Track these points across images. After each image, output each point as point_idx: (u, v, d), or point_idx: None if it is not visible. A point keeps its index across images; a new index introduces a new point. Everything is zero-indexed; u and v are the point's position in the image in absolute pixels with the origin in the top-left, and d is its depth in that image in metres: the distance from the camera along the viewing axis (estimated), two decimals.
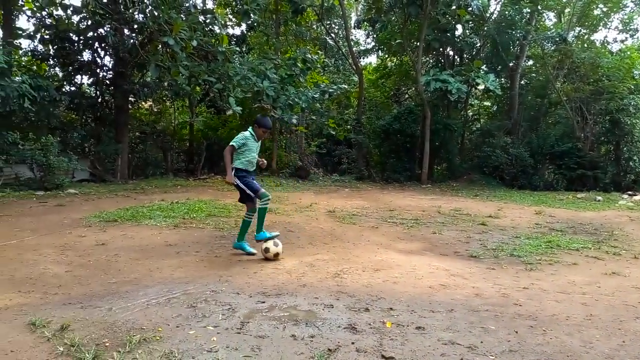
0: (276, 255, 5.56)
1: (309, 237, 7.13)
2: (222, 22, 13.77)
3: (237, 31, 19.27)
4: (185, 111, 20.45)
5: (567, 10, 21.00)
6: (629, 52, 19.13)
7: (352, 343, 3.22)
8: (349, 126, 20.13)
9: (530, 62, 22.54)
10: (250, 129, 5.84)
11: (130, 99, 15.99)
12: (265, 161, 6.03)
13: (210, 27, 14.08)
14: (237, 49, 16.05)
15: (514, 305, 4.25)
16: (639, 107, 17.94)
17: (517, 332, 3.58)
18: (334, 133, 19.08)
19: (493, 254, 6.41)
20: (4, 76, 11.31)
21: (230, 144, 5.65)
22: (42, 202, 9.79)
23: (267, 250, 5.54)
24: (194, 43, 12.15)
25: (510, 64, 20.88)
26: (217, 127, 19.83)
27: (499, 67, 21.12)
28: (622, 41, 21.82)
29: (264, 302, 3.99)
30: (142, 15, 13.12)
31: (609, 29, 21.71)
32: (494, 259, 6.14)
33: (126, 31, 14.77)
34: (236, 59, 14.22)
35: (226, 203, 10.03)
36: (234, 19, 18.24)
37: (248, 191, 5.70)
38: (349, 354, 3.06)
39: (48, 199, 10.15)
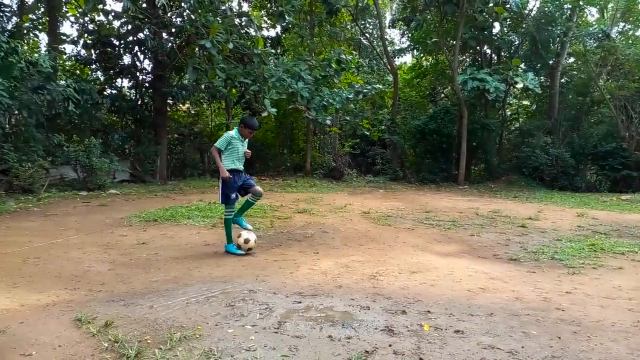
0: (249, 250, 5.71)
1: (343, 238, 7.12)
2: (258, 24, 13.91)
3: (272, 33, 19.46)
4: (222, 113, 20.76)
5: (610, 5, 20.25)
6: None
7: (390, 345, 3.20)
8: (383, 126, 19.98)
9: (572, 60, 21.86)
10: (236, 129, 5.96)
11: (168, 101, 16.34)
12: (249, 152, 6.06)
13: (245, 29, 14.27)
14: (272, 50, 16.20)
15: (556, 310, 4.13)
16: None
17: (559, 337, 3.48)
18: (368, 133, 19.00)
19: (533, 257, 6.24)
20: (50, 80, 11.78)
21: (215, 145, 5.81)
22: (86, 202, 10.13)
23: (247, 241, 5.69)
24: (230, 46, 12.33)
25: (550, 62, 20.29)
26: None
27: (538, 65, 20.56)
28: None
29: (300, 303, 4.01)
30: (180, 19, 13.40)
31: None
32: (535, 262, 5.98)
33: (165, 35, 15.09)
34: (271, 60, 14.36)
35: (261, 204, 10.11)
36: (268, 21, 18.43)
37: (221, 196, 5.83)
38: (386, 356, 3.04)
39: (91, 199, 10.50)
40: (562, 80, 21.22)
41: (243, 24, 14.01)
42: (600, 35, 18.66)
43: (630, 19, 20.01)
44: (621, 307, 4.26)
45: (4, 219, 7.74)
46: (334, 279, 4.84)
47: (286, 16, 15.35)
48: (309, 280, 4.75)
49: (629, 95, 18.00)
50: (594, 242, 7.27)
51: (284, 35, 19.74)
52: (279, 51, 18.42)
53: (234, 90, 14.95)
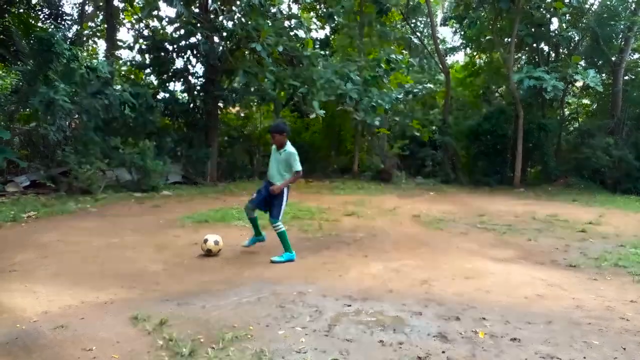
0: (208, 251, 5.65)
1: (393, 242, 7.02)
2: (307, 26, 13.98)
3: (321, 34, 19.51)
4: (270, 115, 21.01)
5: None
6: None
7: (443, 352, 3.14)
8: (434, 127, 19.59)
9: (636, 56, 20.69)
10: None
11: (219, 104, 16.69)
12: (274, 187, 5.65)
13: (295, 31, 14.37)
14: (321, 52, 16.23)
15: (620, 320, 3.93)
16: None
17: (624, 348, 3.33)
18: (418, 134, 18.69)
19: (595, 264, 5.93)
20: (108, 85, 12.29)
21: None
22: (140, 203, 10.49)
23: (205, 241, 5.67)
24: (280, 48, 12.46)
25: (613, 58, 19.27)
26: (301, 131, 20.18)
27: (600, 62, 19.58)
28: None
29: (350, 306, 3.98)
30: (232, 23, 13.65)
31: None
32: (596, 269, 5.68)
33: (216, 39, 15.41)
34: (320, 62, 14.39)
35: (309, 206, 10.15)
36: (318, 23, 18.50)
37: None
38: None
39: (145, 200, 10.85)
40: (626, 78, 20.09)
41: (292, 26, 14.11)
42: None
43: None
44: None
45: (65, 219, 8.12)
46: (384, 283, 4.78)
47: (335, 17, 15.38)
48: (358, 283, 4.71)
49: None
50: None
51: (333, 36, 19.74)
52: (327, 52, 18.45)
53: (282, 92, 15.09)
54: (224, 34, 14.54)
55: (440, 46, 21.76)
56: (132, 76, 17.17)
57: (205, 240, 5.70)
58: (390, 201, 12.06)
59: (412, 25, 21.90)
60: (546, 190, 16.86)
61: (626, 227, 8.89)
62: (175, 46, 15.72)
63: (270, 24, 12.33)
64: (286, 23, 13.66)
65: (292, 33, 14.12)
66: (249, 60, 13.74)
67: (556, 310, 4.13)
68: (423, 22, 22.83)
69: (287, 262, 5.51)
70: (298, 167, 5.41)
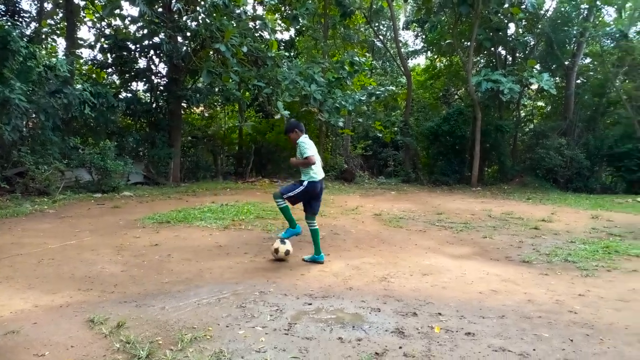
0: (287, 253, 5.62)
1: (355, 240, 7.12)
2: (272, 27, 13.98)
3: (285, 36, 19.54)
4: (235, 116, 20.90)
5: (628, 4, 19.93)
6: None
7: (400, 347, 3.21)
8: (396, 128, 19.92)
9: (588, 60, 21.59)
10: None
11: (182, 104, 16.49)
12: (293, 159, 5.80)
13: (260, 32, 14.35)
14: (286, 53, 16.25)
15: (569, 313, 4.11)
16: None
17: (572, 340, 3.47)
18: (380, 135, 18.97)
19: (546, 259, 6.19)
20: (67, 84, 11.98)
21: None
22: (100, 204, 10.26)
23: (277, 250, 5.60)
24: (244, 49, 12.42)
25: (566, 63, 20.07)
26: (265, 131, 20.15)
27: (554, 65, 20.37)
28: None
29: (310, 304, 4.04)
30: (195, 23, 13.52)
31: None
32: (548, 265, 5.92)
33: (180, 39, 15.23)
34: (285, 63, 14.42)
35: (273, 205, 10.13)
36: (282, 24, 18.51)
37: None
38: (396, 358, 3.05)
39: (105, 201, 10.63)
40: (578, 81, 20.98)
41: (257, 27, 14.08)
42: (617, 36, 18.42)
43: None
44: (635, 310, 4.22)
45: (19, 221, 7.88)
46: (344, 280, 4.86)
47: (300, 19, 15.43)
48: (319, 282, 4.77)
49: None
50: (609, 244, 7.18)
51: (297, 38, 19.79)
52: (292, 54, 18.48)
53: (247, 93, 15.04)
54: (188, 34, 14.37)
55: (402, 49, 22.14)
56: (94, 75, 16.75)
57: (277, 250, 5.62)
58: (353, 200, 12.20)
59: (375, 28, 22.18)
60: (502, 189, 17.42)
61: (576, 224, 9.29)
62: (137, 46, 15.45)
63: (234, 25, 12.27)
64: (251, 24, 13.61)
65: (257, 34, 14.10)
66: (213, 61, 13.62)
67: (509, 304, 4.29)
68: (386, 25, 23.16)
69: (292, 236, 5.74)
70: (306, 153, 5.45)
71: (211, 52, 14.27)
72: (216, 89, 15.53)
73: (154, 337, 3.22)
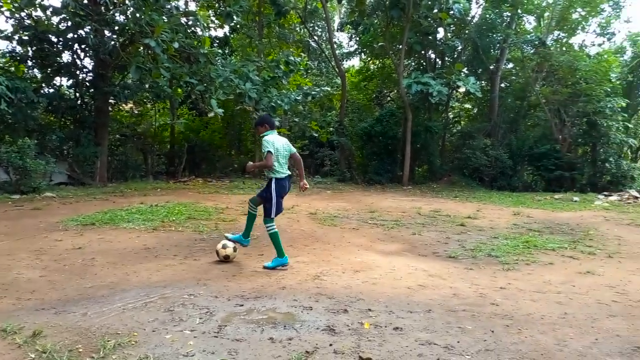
0: (226, 257, 5.53)
1: (289, 239, 7.11)
2: (205, 24, 13.67)
3: (219, 33, 19.18)
4: (167, 113, 20.28)
5: (546, 14, 21.31)
6: (605, 56, 19.48)
7: (330, 345, 3.24)
8: (331, 128, 20.13)
9: (510, 65, 22.83)
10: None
11: (110, 101, 15.78)
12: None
13: (192, 29, 13.99)
14: (220, 51, 15.95)
15: (491, 305, 4.31)
16: (615, 110, 18.31)
17: (493, 331, 3.63)
18: (316, 135, 19.09)
19: (471, 255, 6.49)
20: None
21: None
22: (18, 205, 9.61)
23: (225, 246, 5.54)
24: (176, 45, 12.04)
25: (491, 67, 21.12)
26: (199, 130, 19.73)
27: (480, 70, 21.36)
28: (599, 45, 22.22)
29: (242, 305, 3.99)
30: (123, 17, 12.97)
31: (586, 32, 22.07)
32: (472, 260, 6.21)
33: (107, 33, 14.52)
34: (218, 61, 14.15)
35: (207, 206, 9.97)
36: (216, 21, 18.17)
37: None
38: (326, 355, 3.07)
39: (24, 203, 9.98)
40: (502, 85, 22.13)
41: (189, 23, 13.71)
42: (536, 43, 19.60)
43: (565, 27, 21.10)
44: (550, 301, 4.50)
45: None
46: (277, 280, 4.84)
47: (234, 16, 15.19)
48: (252, 282, 4.72)
49: (562, 100, 18.99)
50: (528, 239, 7.64)
51: (232, 36, 19.51)
52: (226, 51, 18.18)
53: (179, 90, 14.62)
54: (115, 27, 13.75)
55: (337, 51, 22.39)
56: (12, 69, 15.63)
57: (225, 246, 5.45)
58: (289, 200, 12.12)
59: (310, 29, 22.28)
60: (431, 187, 18.08)
61: (499, 220, 9.81)
62: (60, 38, 14.57)
63: (165, 20, 11.88)
64: (183, 20, 13.24)
65: (189, 30, 13.73)
66: (143, 56, 13.11)
67: (435, 298, 4.45)
68: (321, 26, 23.34)
69: (277, 267, 5.36)
70: (266, 148, 5.21)
71: (141, 48, 13.74)
72: (146, 86, 14.98)
73: (74, 345, 3.05)
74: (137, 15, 11.80)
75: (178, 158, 18.69)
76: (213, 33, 18.38)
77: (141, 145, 18.64)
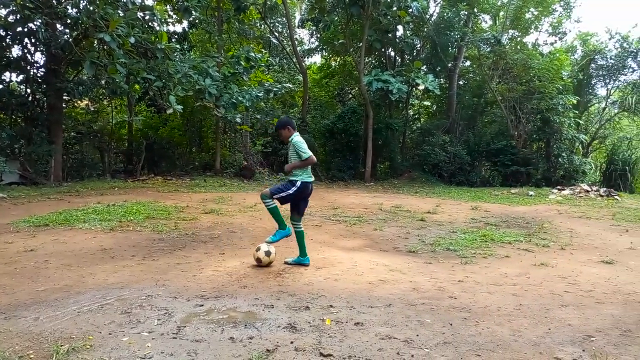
0: (258, 260, 5.40)
1: (252, 237, 7.07)
2: (162, 18, 13.35)
3: (178, 28, 18.80)
4: (124, 110, 19.76)
5: (501, 13, 21.89)
6: (557, 54, 20.23)
7: (291, 342, 3.23)
8: None
9: (468, 63, 23.34)
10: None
11: (64, 97, 15.24)
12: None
13: (149, 23, 13.65)
14: (178, 46, 15.65)
15: (449, 298, 4.40)
16: (567, 107, 19.04)
17: (451, 324, 3.71)
18: None
19: (430, 249, 6.62)
20: None
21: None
22: None
23: (258, 249, 5.42)
24: (132, 40, 11.73)
25: (449, 65, 21.55)
26: (158, 127, 19.30)
27: (438, 67, 21.75)
28: (551, 44, 22.99)
29: (202, 306, 3.93)
30: (76, 10, 12.52)
31: (539, 31, 22.78)
32: (432, 254, 6.34)
33: (59, 26, 14.01)
34: (177, 56, 13.88)
35: (166, 205, 9.78)
36: (174, 16, 17.80)
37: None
38: (287, 353, 3.07)
39: None
40: (460, 83, 22.64)
41: (147, 18, 13.36)
42: (492, 41, 20.10)
43: (519, 26, 21.72)
44: (506, 293, 4.64)
45: None
46: (239, 279, 4.80)
47: (192, 11, 14.91)
48: (212, 282, 4.66)
49: (517, 97, 19.60)
50: (485, 233, 7.86)
51: (191, 31, 19.15)
52: (185, 47, 17.85)
53: (137, 86, 14.24)
54: (68, 21, 13.26)
55: (298, 47, 22.33)
56: None
57: (258, 249, 5.31)
58: (252, 198, 12.10)
59: (271, 25, 22.14)
60: (393, 183, 18.34)
61: (458, 215, 10.05)
62: (9, 32, 13.93)
63: (121, 14, 11.54)
64: (139, 14, 12.89)
65: (146, 25, 13.39)
66: (98, 51, 12.70)
67: (396, 293, 4.52)
68: (281, 22, 23.22)
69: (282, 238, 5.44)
70: (305, 154, 5.14)
71: (95, 42, 13.31)
72: (102, 82, 14.52)
73: (25, 351, 2.93)
74: (91, 8, 11.42)
75: (136, 156, 18.24)
76: (171, 28, 18.03)
77: (98, 143, 18.09)
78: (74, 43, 13.05)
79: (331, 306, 4.02)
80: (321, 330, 3.47)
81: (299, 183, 5.27)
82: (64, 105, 15.60)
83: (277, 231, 5.45)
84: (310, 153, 5.17)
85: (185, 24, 18.36)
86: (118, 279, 4.67)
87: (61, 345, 2.99)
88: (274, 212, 5.35)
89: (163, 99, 13.61)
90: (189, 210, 9.25)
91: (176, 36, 18.13)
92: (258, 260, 5.33)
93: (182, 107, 12.83)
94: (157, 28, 13.78)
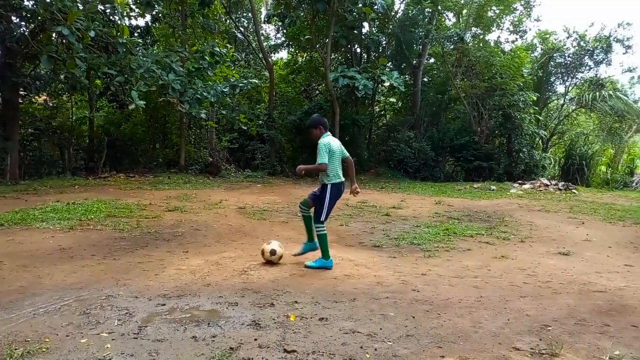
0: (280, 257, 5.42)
1: (216, 235, 7.01)
2: (123, 12, 13.02)
3: (141, 22, 18.40)
4: (85, 105, 19.19)
5: (464, 11, 22.27)
6: (518, 52, 20.71)
7: (255, 339, 3.23)
8: (260, 121, 19.94)
9: (432, 60, 23.65)
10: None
11: (20, 92, 14.69)
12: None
13: (110, 17, 13.30)
14: (140, 41, 15.29)
15: (412, 291, 4.48)
16: (527, 103, 19.59)
17: (414, 317, 3.77)
18: (245, 128, 18.83)
19: (395, 243, 6.71)
20: None
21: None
22: None
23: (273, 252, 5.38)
24: (92, 34, 11.39)
25: (414, 62, 21.80)
26: (120, 123, 18.84)
27: (403, 64, 21.95)
28: (512, 41, 23.58)
29: (164, 305, 3.87)
30: (33, 2, 12.08)
31: (501, 30, 23.33)
32: (396, 248, 6.43)
33: (14, 19, 13.48)
34: (139, 51, 13.56)
35: (128, 202, 9.56)
36: (137, 10, 17.38)
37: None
38: (251, 350, 3.06)
39: None
40: (424, 79, 22.91)
41: (107, 11, 13.01)
42: (455, 38, 20.40)
43: (481, 24, 22.17)
44: (467, 285, 4.75)
45: None
46: (202, 277, 4.75)
47: (155, 5, 14.60)
48: (175, 280, 4.60)
49: (479, 94, 19.99)
50: (448, 226, 8.02)
51: (154, 26, 18.76)
52: (148, 41, 17.46)
53: (98, 81, 13.85)
54: (24, 13, 12.77)
55: (264, 43, 22.16)
56: None
57: (269, 250, 5.30)
58: (217, 195, 11.98)
59: (236, 20, 21.90)
60: (359, 179, 18.27)
61: (422, 210, 10.21)
62: None
63: (80, 7, 11.19)
64: (100, 7, 12.53)
65: (107, 19, 13.04)
66: (56, 45, 12.28)
67: (360, 287, 4.56)
68: (247, 17, 22.98)
69: (321, 268, 5.23)
70: (321, 159, 5.13)
71: (53, 36, 12.87)
72: (61, 77, 14.06)
73: None
74: (48, 0, 11.04)
75: (98, 153, 17.75)
76: (134, 22, 17.62)
77: (57, 139, 17.51)
78: (31, 36, 12.57)
79: (296, 302, 4.03)
80: (286, 327, 3.47)
81: (329, 186, 5.27)
82: (20, 101, 15.04)
83: (319, 259, 5.35)
84: (325, 160, 5.14)
85: (148, 17, 17.99)
86: (77, 279, 4.55)
87: (15, 349, 2.90)
88: (322, 240, 5.27)
89: (125, 95, 13.28)
90: (152, 208, 9.08)
91: (139, 30, 17.73)
92: (269, 261, 5.38)
93: (145, 102, 12.57)
94: (119, 22, 13.44)
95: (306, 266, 5.28)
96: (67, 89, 16.06)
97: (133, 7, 16.78)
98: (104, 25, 12.49)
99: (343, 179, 5.40)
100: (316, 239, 5.37)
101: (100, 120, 18.53)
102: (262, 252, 5.37)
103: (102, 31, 12.07)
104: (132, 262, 5.25)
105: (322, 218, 5.25)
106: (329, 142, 5.26)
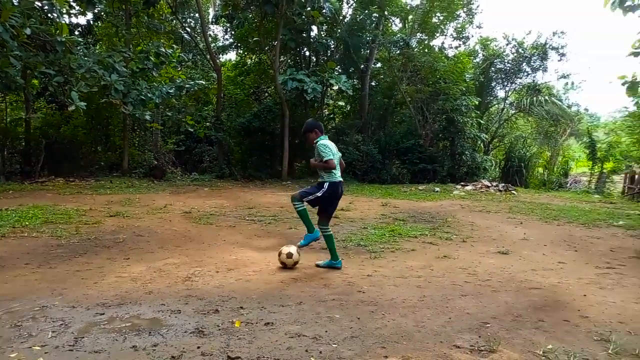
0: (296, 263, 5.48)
1: (160, 240, 6.83)
2: (62, 9, 12.47)
3: (82, 20, 17.68)
4: (21, 106, 18.23)
5: (410, 17, 22.80)
6: (461, 58, 21.48)
7: (198, 347, 3.18)
8: (208, 123, 19.62)
9: (379, 65, 24.04)
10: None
11: None
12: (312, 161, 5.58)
13: (49, 14, 12.70)
14: (81, 39, 14.69)
15: (358, 293, 4.54)
16: (469, 107, 20.29)
17: (359, 318, 3.83)
18: (192, 130, 18.47)
19: (342, 245, 6.77)
20: None
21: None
22: None
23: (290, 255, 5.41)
24: (28, 31, 10.85)
25: (361, 66, 22.09)
26: (60, 125, 18.02)
27: (351, 68, 22.19)
28: (455, 47, 24.32)
29: (103, 314, 3.74)
30: None
31: (445, 36, 24.01)
32: (343, 250, 6.49)
33: None
34: (80, 50, 13.03)
35: (67, 208, 9.16)
36: (77, 7, 16.69)
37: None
38: (194, 359, 3.01)
39: None
40: (372, 83, 23.24)
41: (45, 8, 12.42)
42: (401, 44, 20.88)
43: (426, 30, 22.77)
44: (411, 285, 4.87)
45: None
46: (144, 284, 4.61)
47: (97, 3, 14.10)
48: (115, 289, 4.44)
49: (424, 98, 20.55)
50: (394, 228, 8.19)
51: (96, 24, 18.09)
52: (90, 40, 16.81)
53: (35, 81, 13.19)
54: None
55: (212, 44, 21.84)
56: None
57: (280, 253, 5.45)
58: (162, 199, 11.69)
59: (182, 20, 21.46)
60: (310, 182, 18.41)
61: (369, 212, 10.37)
62: None
63: (15, 3, 10.63)
64: (37, 4, 11.95)
65: (44, 16, 12.44)
66: None
67: (307, 290, 4.58)
68: (194, 18, 22.58)
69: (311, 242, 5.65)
70: (325, 157, 5.25)
71: None
72: None
73: None
74: None
75: (35, 156, 16.90)
76: (74, 20, 16.94)
77: None
78: None
79: (242, 308, 4.00)
80: (230, 333, 3.44)
81: (326, 185, 5.35)
82: None
83: (306, 235, 5.59)
84: (330, 157, 5.29)
85: (90, 16, 17.34)
86: (8, 290, 4.31)
87: None
88: (303, 215, 5.46)
89: (65, 95, 12.72)
90: (92, 214, 8.74)
91: (80, 29, 17.06)
92: (283, 263, 5.42)
93: (85, 104, 12.06)
94: (57, 19, 12.87)
95: (317, 265, 5.57)
96: (1, 88, 15.19)
97: (73, 4, 16.10)
98: (41, 22, 11.92)
99: (341, 180, 5.55)
100: (316, 227, 5.56)
101: (38, 122, 17.66)
102: (279, 253, 5.47)
103: (39, 29, 11.53)
104: (70, 271, 5.02)
105: (306, 199, 5.40)
106: (326, 143, 5.44)
